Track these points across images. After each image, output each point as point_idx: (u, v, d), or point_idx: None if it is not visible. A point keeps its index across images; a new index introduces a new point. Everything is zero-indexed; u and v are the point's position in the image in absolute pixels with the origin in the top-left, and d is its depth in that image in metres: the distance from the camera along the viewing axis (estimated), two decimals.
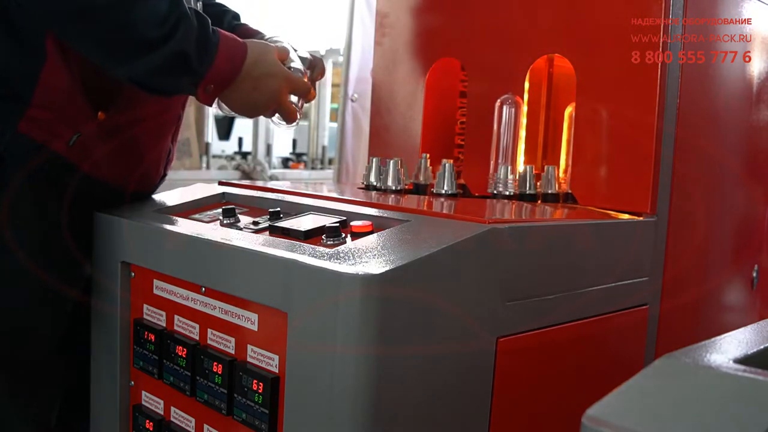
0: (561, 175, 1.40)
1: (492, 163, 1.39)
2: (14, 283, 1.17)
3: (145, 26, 1.02)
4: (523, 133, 1.45)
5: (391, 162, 1.42)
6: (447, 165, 1.37)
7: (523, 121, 1.44)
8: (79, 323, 1.28)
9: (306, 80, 1.25)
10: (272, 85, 1.17)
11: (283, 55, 1.22)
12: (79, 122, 1.16)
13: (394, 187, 1.41)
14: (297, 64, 1.25)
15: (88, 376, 1.31)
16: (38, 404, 1.25)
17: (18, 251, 1.15)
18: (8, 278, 1.16)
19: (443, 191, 1.37)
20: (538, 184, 1.35)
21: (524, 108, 1.43)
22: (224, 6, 1.46)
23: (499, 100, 1.38)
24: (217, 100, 1.22)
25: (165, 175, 1.41)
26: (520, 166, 1.42)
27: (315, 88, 1.30)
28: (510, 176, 1.35)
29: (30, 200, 1.16)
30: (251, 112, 1.21)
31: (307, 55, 1.30)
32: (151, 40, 1.03)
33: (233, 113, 1.25)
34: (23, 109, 1.11)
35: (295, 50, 1.28)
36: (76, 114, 1.15)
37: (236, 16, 1.45)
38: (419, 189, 1.45)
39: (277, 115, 1.25)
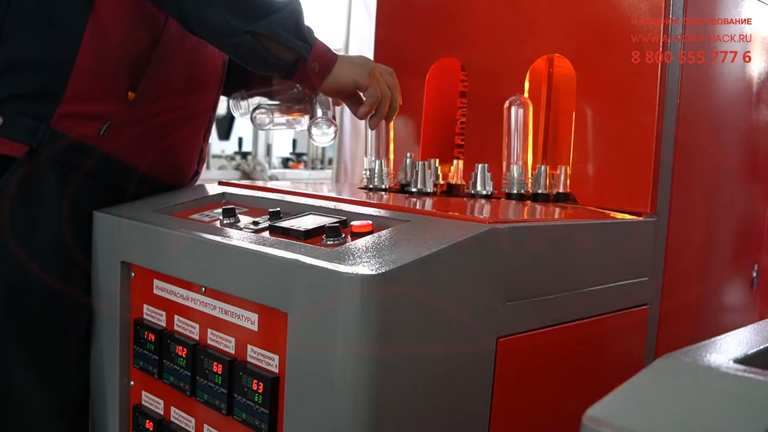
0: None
1: (504, 163, 1.39)
2: (43, 268, 1.21)
3: None
4: (526, 132, 1.45)
5: (420, 164, 1.41)
6: (481, 167, 1.38)
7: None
8: None
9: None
10: (360, 58, 1.30)
11: None
12: (111, 106, 1.22)
13: (429, 190, 1.40)
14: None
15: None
16: (63, 387, 1.27)
17: (51, 239, 1.21)
18: (37, 261, 1.20)
19: (482, 192, 1.37)
20: (550, 183, 1.36)
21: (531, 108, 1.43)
22: None
23: (507, 101, 1.38)
24: (235, 102, 1.37)
25: (199, 172, 1.48)
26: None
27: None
28: (522, 176, 1.36)
29: (63, 192, 1.21)
30: (363, 72, 1.28)
31: None
32: (273, 2, 1.17)
33: (265, 124, 1.39)
34: (56, 104, 1.18)
35: None
36: (108, 97, 1.22)
37: None
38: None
39: (314, 129, 1.33)
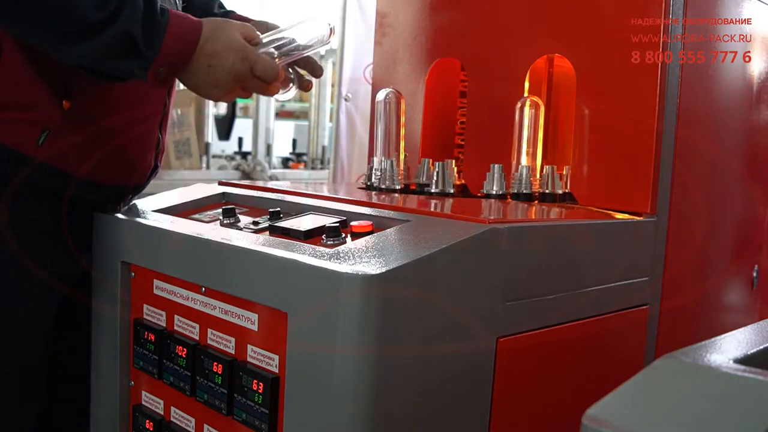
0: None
1: (513, 163, 1.38)
2: None
3: (85, 8, 0.99)
4: (536, 133, 1.44)
5: (440, 164, 1.40)
6: (497, 167, 1.37)
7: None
8: (66, 328, 1.27)
9: (277, 62, 1.15)
10: (228, 59, 1.07)
11: (250, 35, 1.12)
12: (46, 116, 1.14)
13: (450, 190, 1.40)
14: (269, 48, 1.16)
15: (82, 378, 1.30)
16: (13, 416, 1.23)
17: None
18: None
19: (498, 192, 1.37)
20: (555, 184, 1.36)
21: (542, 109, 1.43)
22: None
23: (519, 102, 1.38)
24: None
25: (157, 166, 1.36)
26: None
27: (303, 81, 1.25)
28: (530, 177, 1.36)
29: (6, 204, 1.13)
30: (213, 93, 1.11)
31: (307, 46, 1.22)
32: (92, 22, 1.00)
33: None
34: None
35: (285, 35, 1.19)
36: (42, 105, 1.13)
37: (221, 5, 1.42)
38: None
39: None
